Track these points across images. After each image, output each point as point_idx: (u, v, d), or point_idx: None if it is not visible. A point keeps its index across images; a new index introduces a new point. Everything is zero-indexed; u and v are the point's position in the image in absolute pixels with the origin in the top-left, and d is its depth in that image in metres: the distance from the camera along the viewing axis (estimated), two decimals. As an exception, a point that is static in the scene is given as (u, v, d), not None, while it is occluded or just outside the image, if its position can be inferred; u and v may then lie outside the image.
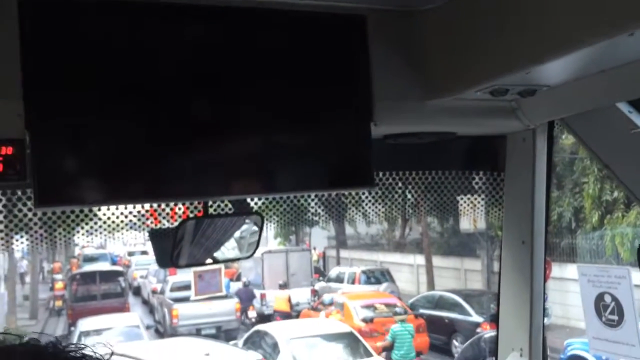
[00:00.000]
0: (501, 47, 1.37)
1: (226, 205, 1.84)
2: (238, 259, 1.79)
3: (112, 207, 1.89)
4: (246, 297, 16.87)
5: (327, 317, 13.11)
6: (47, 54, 1.24)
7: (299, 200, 2.28)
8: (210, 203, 1.77)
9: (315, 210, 2.44)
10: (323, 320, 12.27)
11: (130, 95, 1.31)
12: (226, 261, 1.72)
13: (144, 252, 29.30)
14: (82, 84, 1.27)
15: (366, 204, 2.46)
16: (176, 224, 1.62)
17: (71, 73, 1.26)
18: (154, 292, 19.72)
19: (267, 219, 2.28)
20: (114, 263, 30.32)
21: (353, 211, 2.50)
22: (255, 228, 1.75)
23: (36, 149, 1.26)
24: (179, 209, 1.79)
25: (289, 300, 15.44)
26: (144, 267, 25.54)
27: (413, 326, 11.95)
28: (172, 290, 17.40)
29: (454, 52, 1.52)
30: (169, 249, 1.57)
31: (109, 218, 1.89)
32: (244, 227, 1.74)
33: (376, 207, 2.44)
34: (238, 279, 19.01)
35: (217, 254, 1.72)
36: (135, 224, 1.91)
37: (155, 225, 1.80)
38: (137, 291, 24.86)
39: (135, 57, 1.31)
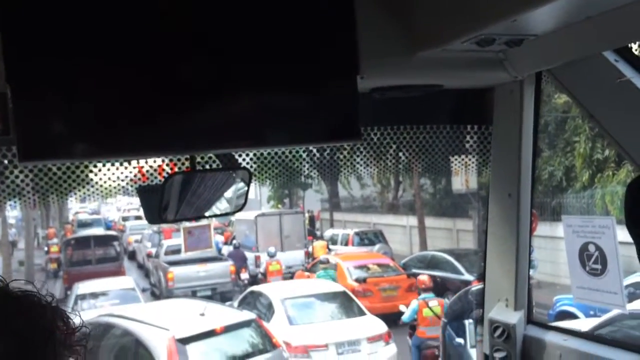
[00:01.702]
0: None
1: (214, 162, 1.84)
2: (226, 214, 1.80)
3: (105, 171, 1.88)
4: (238, 259, 17.06)
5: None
6: (25, 1, 1.22)
7: (291, 161, 2.28)
8: (198, 159, 1.76)
9: (308, 173, 2.45)
10: (316, 281, 12.45)
11: (116, 49, 1.29)
12: (214, 216, 1.73)
13: (138, 217, 29.41)
14: (65, 36, 1.25)
15: (359, 165, 2.46)
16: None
17: (54, 24, 1.24)
18: (149, 255, 19.89)
19: (260, 182, 2.28)
20: (108, 228, 30.45)
21: (346, 172, 2.51)
22: (243, 184, 1.75)
23: (18, 103, 1.25)
24: (167, 164, 1.79)
25: (281, 267, 15.71)
26: (139, 231, 25.69)
27: (335, 272, 13.05)
28: (166, 253, 17.55)
29: (440, 1, 1.50)
30: (158, 205, 1.57)
31: (102, 183, 1.89)
32: (232, 182, 1.74)
33: (369, 168, 2.45)
34: (228, 244, 19.19)
35: (206, 210, 1.73)
36: (127, 189, 1.91)
37: (144, 182, 1.80)
38: (132, 255, 25.05)
39: (121, 11, 1.29)
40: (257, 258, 16.49)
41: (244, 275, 16.31)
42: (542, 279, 14.70)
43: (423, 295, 9.46)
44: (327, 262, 13.97)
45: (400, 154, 2.41)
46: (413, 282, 13.51)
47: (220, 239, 20.68)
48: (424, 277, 9.88)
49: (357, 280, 13.41)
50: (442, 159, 2.40)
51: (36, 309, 0.85)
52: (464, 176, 16.65)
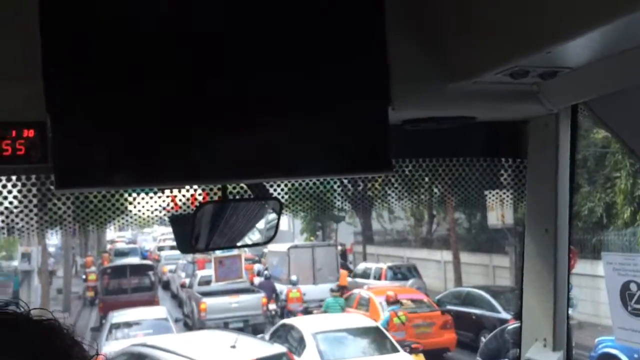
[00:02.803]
0: (521, 27, 1.34)
1: (245, 192, 1.85)
2: (257, 245, 1.80)
3: (140, 200, 1.91)
4: (268, 290, 17.09)
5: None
6: (67, 33, 1.25)
7: (323, 192, 2.28)
8: (229, 189, 1.78)
9: (341, 205, 2.44)
10: (349, 315, 12.28)
11: (153, 76, 1.31)
12: (245, 246, 1.73)
13: (173, 247, 29.71)
14: (103, 64, 1.28)
15: (391, 197, 2.45)
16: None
17: (92, 53, 1.27)
18: (182, 286, 20.01)
19: (292, 214, 2.28)
20: (144, 258, 30.83)
21: (379, 205, 2.49)
22: (274, 215, 1.76)
23: (57, 131, 1.28)
24: (199, 194, 1.81)
25: (301, 295, 15.92)
26: (173, 261, 25.93)
27: (344, 301, 14.30)
28: (200, 284, 17.64)
29: (473, 32, 1.49)
30: (190, 234, 1.58)
31: (138, 213, 1.92)
32: (263, 213, 1.75)
33: (402, 201, 2.44)
34: (259, 275, 19.27)
35: (237, 240, 1.73)
36: (163, 219, 1.94)
37: (176, 210, 1.82)
38: (166, 285, 25.24)
39: (158, 36, 1.31)
40: (289, 292, 16.46)
41: (272, 306, 16.33)
42: (584, 319, 14.18)
43: (391, 307, 12.18)
44: (338, 290, 14.45)
45: (434, 186, 2.38)
46: (448, 319, 13.22)
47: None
48: (391, 292, 12.86)
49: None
50: (476, 192, 2.36)
51: (55, 333, 0.86)
52: (499, 211, 16.37)
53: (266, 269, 20.97)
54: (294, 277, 16.63)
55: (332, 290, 14.70)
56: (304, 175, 1.67)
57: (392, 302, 12.36)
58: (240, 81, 1.37)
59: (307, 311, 16.17)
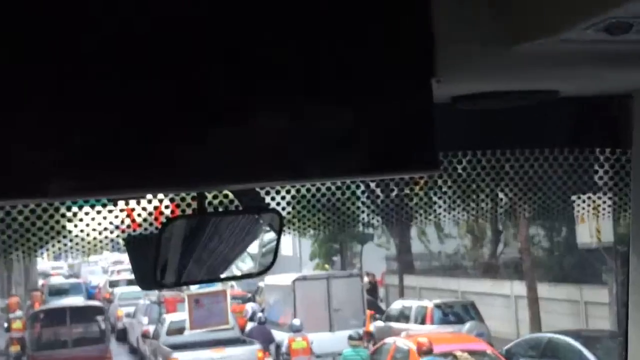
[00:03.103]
0: None
1: (231, 202, 1.86)
2: (249, 276, 1.81)
3: (85, 218, 1.93)
4: (261, 340, 17.11)
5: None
6: None
7: (342, 202, 2.28)
8: (209, 199, 1.79)
9: (368, 220, 2.44)
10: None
11: (101, 59, 1.34)
12: (232, 279, 1.74)
13: (132, 282, 29.91)
14: (37, 52, 1.30)
15: (439, 207, 2.44)
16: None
17: (22, 39, 1.30)
18: (144, 335, 20.09)
19: (299, 232, 2.28)
20: (90, 297, 30.99)
21: (421, 218, 2.49)
22: (272, 233, 1.76)
23: None
24: (166, 207, 1.82)
25: (308, 345, 15.98)
26: (132, 301, 26.05)
27: (368, 354, 14.33)
28: (169, 333, 17.70)
29: None
30: (153, 263, 1.59)
31: (82, 235, 1.94)
32: (257, 231, 1.75)
33: (454, 212, 2.44)
34: (252, 319, 19.34)
35: (220, 270, 1.74)
36: (116, 242, 1.95)
37: (134, 230, 1.83)
38: (122, 335, 25.33)
39: (112, 17, 1.34)
40: (290, 341, 16.48)
41: None
42: None
43: (424, 358, 12.09)
44: (360, 338, 14.46)
45: (499, 191, 2.38)
46: (521, 378, 13.18)
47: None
48: (424, 339, 12.84)
49: (439, 374, 13.15)
50: (559, 199, 2.36)
51: None
52: (593, 224, 16.28)
53: (262, 309, 21.02)
54: (296, 321, 16.67)
55: (351, 338, 14.67)
56: (314, 177, 1.67)
57: (425, 351, 12.39)
58: (227, 55, 1.39)
59: None
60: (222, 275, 1.75)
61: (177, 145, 1.38)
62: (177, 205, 1.82)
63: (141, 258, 1.75)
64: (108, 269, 45.04)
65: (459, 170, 2.19)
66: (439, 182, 2.32)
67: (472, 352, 14.11)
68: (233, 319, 18.17)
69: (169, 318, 18.56)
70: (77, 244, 2.00)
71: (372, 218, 2.52)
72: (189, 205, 1.83)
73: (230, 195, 1.86)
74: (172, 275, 1.62)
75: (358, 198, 2.44)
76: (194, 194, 1.74)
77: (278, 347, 17.28)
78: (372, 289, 27.16)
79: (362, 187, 2.41)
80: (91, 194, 1.51)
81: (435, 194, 2.39)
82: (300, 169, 1.47)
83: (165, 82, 1.37)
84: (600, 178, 2.28)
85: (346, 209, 2.36)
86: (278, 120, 1.44)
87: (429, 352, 12.28)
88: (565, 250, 21.75)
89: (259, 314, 19.25)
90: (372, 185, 2.37)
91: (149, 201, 1.84)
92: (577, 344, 14.16)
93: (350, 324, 18.55)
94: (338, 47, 1.46)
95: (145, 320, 21.93)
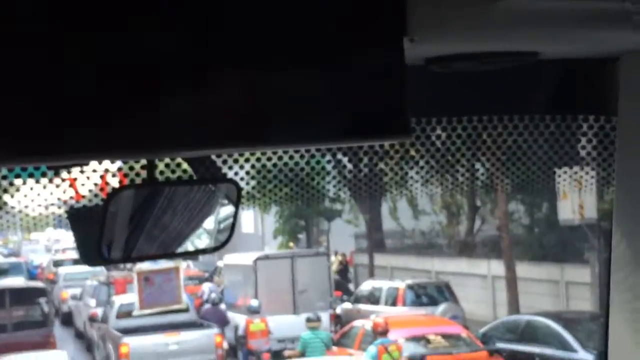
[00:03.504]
0: None
1: (184, 171, 1.85)
2: (203, 251, 1.81)
3: (26, 190, 1.91)
4: (215, 322, 17.19)
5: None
6: None
7: (308, 174, 2.28)
8: (160, 167, 1.77)
9: (336, 194, 2.44)
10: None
11: (42, 9, 1.31)
12: (186, 255, 1.73)
13: (78, 261, 29.73)
14: None
15: (411, 180, 2.45)
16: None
17: None
18: (92, 319, 20.04)
19: (261, 207, 2.27)
20: (32, 277, 30.72)
21: (393, 191, 2.50)
22: (230, 205, 1.76)
23: None
24: (113, 176, 1.81)
25: (266, 327, 16.10)
26: (78, 282, 25.91)
27: (329, 335, 14.61)
28: (119, 316, 17.67)
29: None
30: (99, 236, 1.58)
31: (22, 209, 1.91)
32: (212, 203, 1.75)
33: (427, 185, 2.44)
34: (208, 300, 19.41)
35: (172, 244, 1.73)
36: (60, 219, 1.93)
37: (77, 201, 1.81)
38: (67, 318, 25.22)
39: None
40: (248, 322, 16.53)
41: (224, 344, 16.52)
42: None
43: (380, 339, 12.28)
44: (317, 319, 14.65)
45: (475, 162, 2.39)
46: (499, 363, 13.38)
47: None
48: (380, 319, 13.17)
49: (411, 359, 13.30)
50: (540, 170, 2.38)
51: None
52: (576, 199, 16.50)
53: (221, 290, 21.04)
54: (254, 302, 16.74)
55: (309, 320, 14.66)
56: (277, 144, 1.67)
57: (381, 332, 12.68)
58: (180, 9, 1.37)
59: (277, 354, 16.26)
60: (175, 251, 1.74)
61: (123, 107, 1.36)
62: (125, 175, 1.81)
63: (86, 232, 1.74)
64: (52, 247, 44.69)
65: (433, 139, 2.20)
66: (412, 151, 2.32)
67: (446, 336, 14.29)
68: (189, 301, 18.17)
69: (119, 300, 18.52)
70: (16, 219, 1.98)
71: (340, 191, 2.52)
72: (137, 174, 1.81)
73: (184, 164, 1.85)
74: (119, 250, 1.61)
75: (325, 170, 2.44)
76: (143, 161, 1.73)
77: (236, 329, 17.34)
78: (343, 270, 27.32)
79: (329, 158, 2.41)
80: (29, 161, 1.49)
81: (407, 163, 2.39)
82: (260, 134, 1.47)
83: (110, 35, 1.35)
84: (583, 147, 2.30)
85: (312, 182, 2.36)
86: (237, 81, 1.44)
87: (384, 332, 12.62)
88: (546, 227, 22.02)
89: (213, 294, 19.29)
90: (340, 156, 2.37)
91: (94, 170, 1.82)
92: (557, 327, 14.40)
93: (316, 306, 18.65)
94: (303, 2, 1.46)
95: (92, 302, 21.86)
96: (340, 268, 27.16)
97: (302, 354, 13.98)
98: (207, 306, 18.76)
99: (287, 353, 15.51)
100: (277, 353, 16.38)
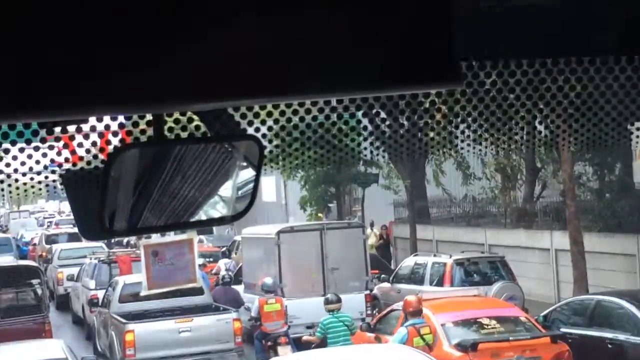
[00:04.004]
0: None
1: (197, 128, 1.86)
2: (220, 222, 1.83)
3: (15, 154, 1.93)
4: (227, 303, 17.39)
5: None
6: None
7: (340, 130, 2.29)
8: (169, 123, 1.79)
9: (371, 156, 2.45)
10: (389, 350, 12.48)
11: None
12: (199, 225, 1.75)
13: (74, 237, 30.10)
14: None
15: (460, 138, 2.45)
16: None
17: None
18: (92, 303, 20.30)
19: (285, 172, 2.28)
20: (23, 256, 31.16)
21: (438, 152, 2.50)
22: (249, 168, 1.77)
23: None
24: (114, 134, 1.82)
25: (282, 307, 16.16)
26: (75, 261, 26.24)
27: (351, 318, 14.57)
28: (123, 299, 17.87)
29: None
30: (99, 206, 1.60)
31: (11, 176, 1.94)
32: (230, 164, 1.75)
33: (478, 144, 2.44)
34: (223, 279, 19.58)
35: (184, 215, 1.74)
36: (54, 187, 1.95)
37: (74, 164, 1.83)
38: (64, 302, 25.61)
39: None
40: (262, 303, 16.58)
41: None
42: None
43: (411, 320, 12.20)
44: (338, 300, 14.61)
45: (536, 114, 2.39)
46: (564, 349, 13.40)
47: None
48: (412, 297, 13.00)
49: (460, 346, 13.36)
50: (612, 124, 2.36)
51: None
52: (655, 158, 16.40)
53: (239, 268, 21.23)
54: (268, 280, 16.80)
55: (327, 302, 14.62)
56: (305, 94, 1.68)
57: (412, 312, 12.50)
58: None
59: (296, 339, 16.35)
60: (187, 221, 1.75)
61: (127, 54, 1.37)
62: (129, 133, 1.82)
63: (84, 200, 1.75)
64: (45, 220, 45.29)
65: (487, 86, 2.18)
66: (462, 102, 2.31)
67: (501, 320, 14.31)
68: (204, 279, 18.30)
69: (123, 281, 18.70)
70: (3, 188, 2.01)
71: (377, 153, 2.53)
72: (143, 131, 1.82)
73: (196, 120, 1.85)
74: (123, 221, 1.62)
75: (359, 126, 2.44)
76: (149, 116, 1.73)
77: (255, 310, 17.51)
78: (383, 245, 27.39)
79: (364, 112, 2.40)
80: (17, 117, 1.51)
81: (456, 117, 2.39)
82: (284, 83, 1.48)
83: None
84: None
85: (344, 141, 2.37)
86: (254, 21, 1.44)
87: (416, 313, 12.42)
88: (619, 192, 21.90)
89: (223, 273, 19.43)
90: (377, 109, 2.37)
91: (92, 127, 1.83)
92: (633, 307, 14.37)
93: (350, 285, 18.74)
94: None
95: (92, 284, 22.13)
96: (379, 243, 27.27)
97: (323, 341, 13.94)
98: (217, 287, 18.91)
99: (304, 338, 15.36)
100: (291, 337, 16.44)
